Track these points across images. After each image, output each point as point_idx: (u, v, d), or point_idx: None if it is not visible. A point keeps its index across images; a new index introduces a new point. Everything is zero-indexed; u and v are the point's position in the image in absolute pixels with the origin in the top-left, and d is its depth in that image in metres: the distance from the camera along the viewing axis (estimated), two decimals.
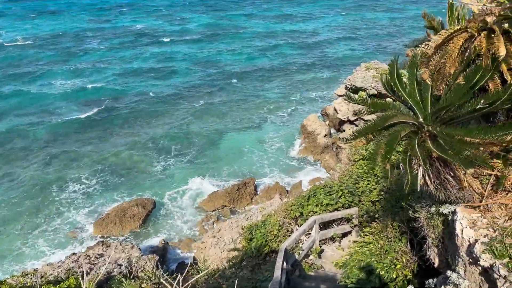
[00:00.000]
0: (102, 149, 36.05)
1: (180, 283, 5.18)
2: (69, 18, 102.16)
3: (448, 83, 6.87)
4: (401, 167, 7.29)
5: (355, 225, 14.92)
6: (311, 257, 13.49)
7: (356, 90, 33.29)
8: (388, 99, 8.47)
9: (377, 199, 17.01)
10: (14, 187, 30.68)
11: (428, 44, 7.36)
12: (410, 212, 8.95)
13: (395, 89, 7.07)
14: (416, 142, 6.59)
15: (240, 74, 56.16)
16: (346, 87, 34.88)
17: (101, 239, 24.48)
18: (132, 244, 20.92)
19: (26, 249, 24.93)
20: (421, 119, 6.72)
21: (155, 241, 25.18)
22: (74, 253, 19.48)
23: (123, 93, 49.24)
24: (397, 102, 7.23)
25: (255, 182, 29.83)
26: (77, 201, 29.24)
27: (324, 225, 15.07)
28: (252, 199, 28.43)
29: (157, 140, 37.42)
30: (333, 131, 36.34)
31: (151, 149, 35.86)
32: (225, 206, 27.68)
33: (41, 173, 32.24)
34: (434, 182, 7.05)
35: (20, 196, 29.49)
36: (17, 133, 38.84)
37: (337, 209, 15.90)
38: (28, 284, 12.87)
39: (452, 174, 6.88)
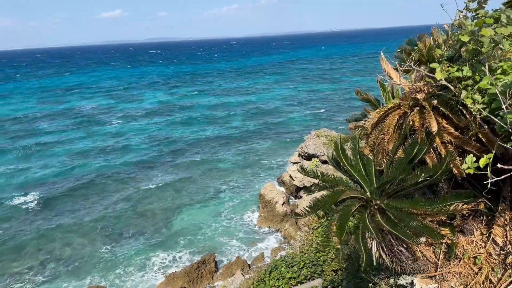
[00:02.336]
0: (49, 236, 33.53)
1: None
2: (17, 101, 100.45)
3: (388, 156, 7.17)
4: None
5: None
6: None
7: (309, 157, 34.22)
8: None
9: (339, 267, 16.80)
10: None
11: (366, 120, 7.78)
12: (370, 284, 8.79)
13: (342, 164, 7.26)
14: (367, 216, 6.66)
15: (193, 146, 56.38)
16: (299, 155, 35.80)
17: None
18: None
19: None
20: (368, 194, 6.87)
21: None
22: None
23: (73, 174, 47.35)
24: (344, 176, 7.39)
25: (215, 258, 28.59)
26: None
27: None
28: (213, 277, 27.03)
29: (109, 220, 35.54)
30: (291, 198, 36.46)
31: (103, 231, 33.85)
32: (185, 287, 26.02)
33: None
34: (388, 255, 7.04)
35: None
36: None
37: (300, 282, 15.47)
38: None
39: (405, 245, 6.93)
